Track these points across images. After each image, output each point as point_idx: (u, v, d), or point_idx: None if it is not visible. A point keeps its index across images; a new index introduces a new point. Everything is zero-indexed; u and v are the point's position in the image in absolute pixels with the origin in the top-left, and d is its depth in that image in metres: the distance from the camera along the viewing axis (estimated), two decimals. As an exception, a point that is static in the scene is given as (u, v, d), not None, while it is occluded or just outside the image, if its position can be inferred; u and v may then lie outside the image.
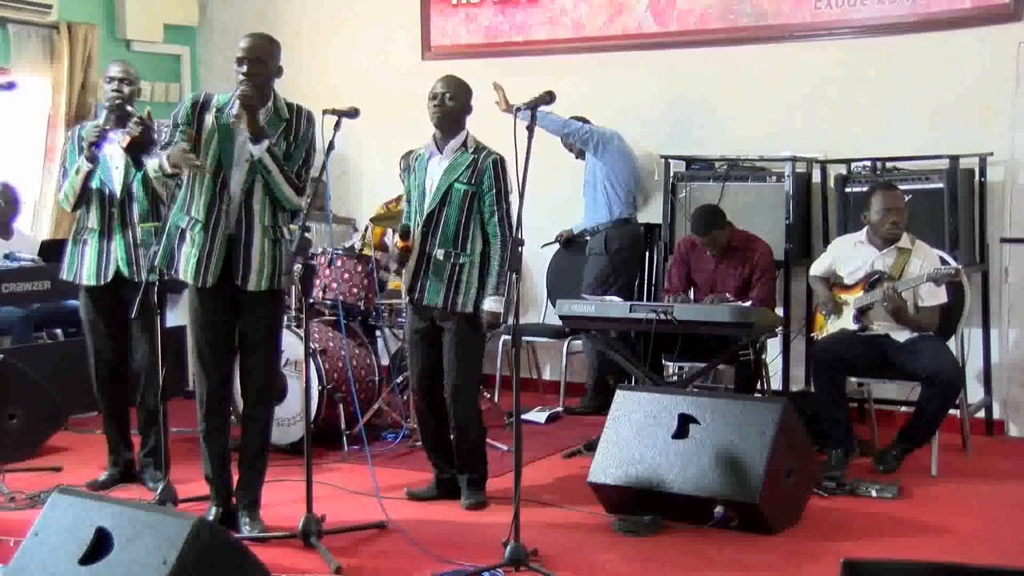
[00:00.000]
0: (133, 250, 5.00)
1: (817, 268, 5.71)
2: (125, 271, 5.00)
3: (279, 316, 4.62)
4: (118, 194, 5.01)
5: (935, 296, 5.32)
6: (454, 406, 4.83)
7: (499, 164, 4.75)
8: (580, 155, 6.81)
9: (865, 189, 5.89)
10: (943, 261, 5.40)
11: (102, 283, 5.02)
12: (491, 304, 4.72)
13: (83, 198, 5.01)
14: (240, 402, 4.83)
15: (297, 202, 4.38)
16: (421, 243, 4.76)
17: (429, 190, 4.77)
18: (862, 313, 5.41)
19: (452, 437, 4.94)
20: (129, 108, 5.01)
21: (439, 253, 4.74)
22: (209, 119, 4.30)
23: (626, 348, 5.85)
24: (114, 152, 5.00)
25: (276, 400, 4.91)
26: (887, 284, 5.27)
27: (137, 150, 4.89)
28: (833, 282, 5.63)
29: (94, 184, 5.00)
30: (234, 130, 4.29)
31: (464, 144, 4.79)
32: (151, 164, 4.40)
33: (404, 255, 4.79)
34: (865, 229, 5.50)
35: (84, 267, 5.05)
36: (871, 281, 5.39)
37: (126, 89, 5.06)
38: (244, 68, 4.24)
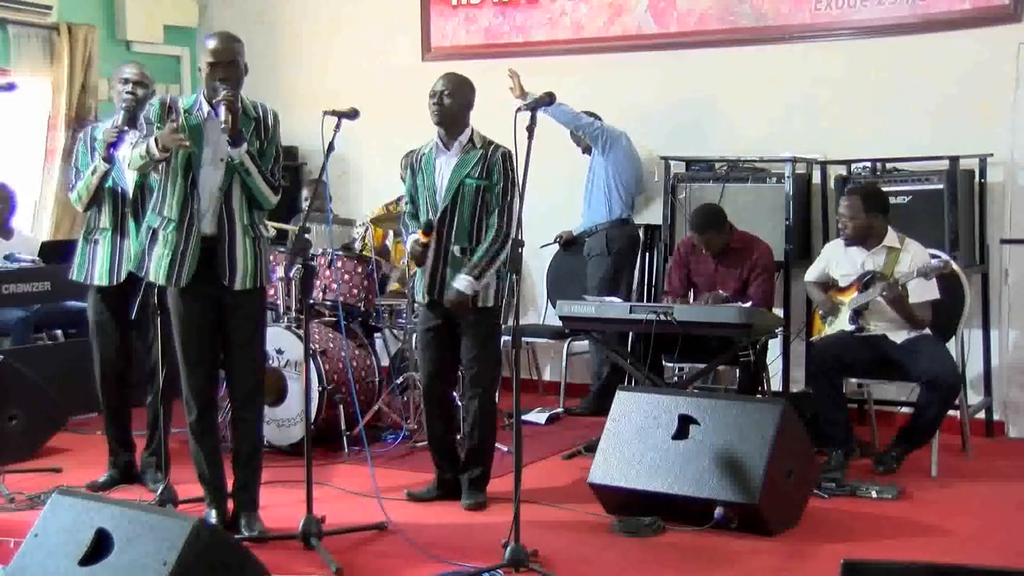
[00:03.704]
0: None
1: (811, 274, 5.72)
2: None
3: (264, 313, 4.64)
4: (131, 193, 5.01)
5: (925, 292, 5.32)
6: (472, 402, 4.84)
7: (507, 158, 4.77)
8: (587, 150, 6.81)
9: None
10: (933, 258, 5.40)
11: (114, 283, 5.01)
12: (461, 283, 4.69)
13: (95, 198, 5.01)
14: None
15: (274, 201, 4.41)
16: (437, 241, 4.76)
17: (440, 188, 4.78)
18: (858, 314, 5.41)
19: (463, 433, 4.94)
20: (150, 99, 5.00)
21: (456, 250, 4.76)
22: (179, 122, 4.27)
23: (626, 349, 5.85)
24: (127, 152, 4.99)
25: (265, 399, 4.88)
26: (882, 282, 5.28)
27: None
28: (829, 286, 5.63)
29: (107, 183, 5.00)
30: (204, 130, 4.28)
31: (471, 140, 4.81)
32: (135, 152, 4.32)
33: (424, 251, 4.77)
34: None
35: (96, 267, 5.04)
36: (864, 281, 5.40)
37: (139, 91, 5.05)
38: (220, 72, 4.23)
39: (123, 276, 4.99)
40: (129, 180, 5.00)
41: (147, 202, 5.00)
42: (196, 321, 4.37)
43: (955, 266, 5.49)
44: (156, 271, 4.32)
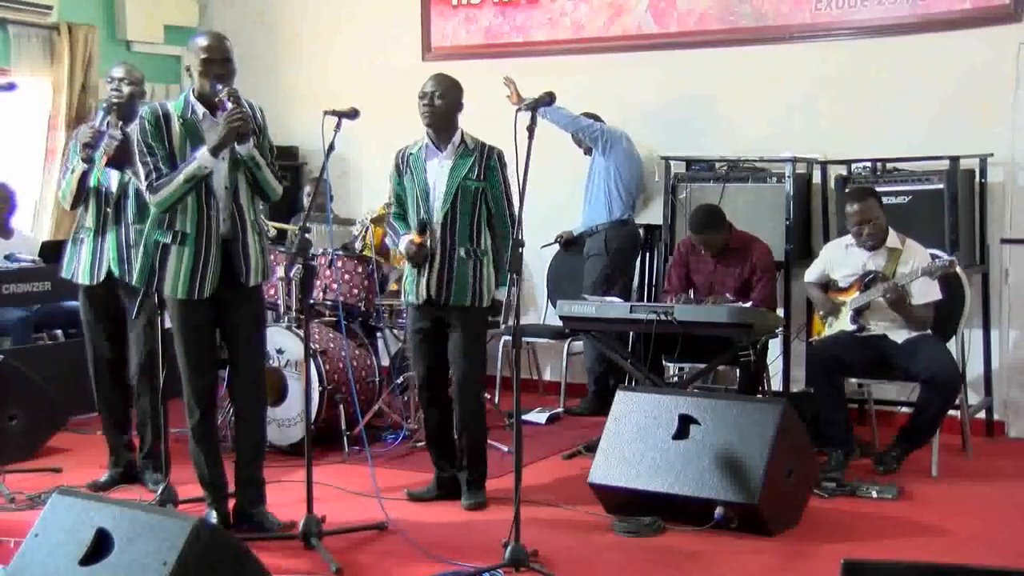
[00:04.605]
0: (125, 250, 4.99)
1: (811, 274, 5.72)
2: (116, 271, 4.99)
3: (264, 308, 4.68)
4: (114, 193, 5.01)
5: (928, 293, 5.32)
6: (461, 400, 4.85)
7: (503, 158, 4.79)
8: (588, 151, 6.81)
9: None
10: (934, 258, 5.40)
11: (95, 282, 5.03)
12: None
13: (80, 197, 5.01)
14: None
15: (280, 191, 4.45)
16: (442, 244, 4.76)
17: (434, 191, 4.78)
18: (859, 314, 5.41)
19: (456, 434, 4.95)
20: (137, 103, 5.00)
21: (461, 252, 4.76)
22: (176, 127, 4.27)
23: (626, 349, 5.85)
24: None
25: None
26: (883, 283, 5.28)
27: (116, 165, 4.94)
28: (828, 287, 5.63)
29: (92, 183, 5.00)
30: (201, 131, 4.27)
31: (464, 141, 4.81)
32: (178, 182, 4.19)
33: (420, 251, 4.76)
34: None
35: (80, 265, 5.06)
36: (866, 281, 5.39)
37: (125, 89, 5.06)
38: (217, 68, 4.25)
39: (103, 275, 5.01)
40: (113, 180, 5.01)
41: (128, 202, 5.00)
42: (201, 324, 4.37)
43: (960, 269, 5.48)
44: (175, 286, 4.30)
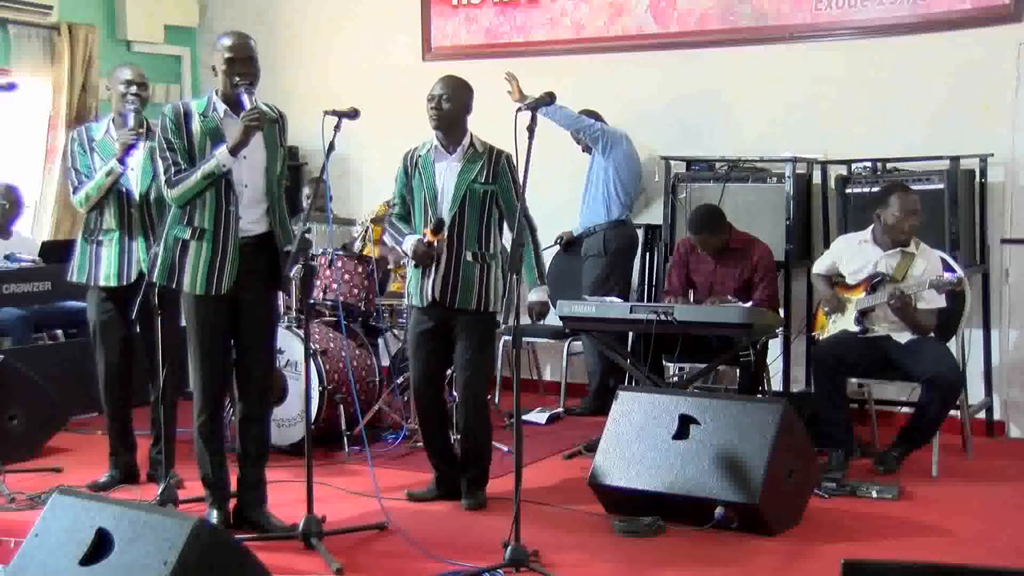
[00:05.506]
0: None
1: (820, 266, 5.72)
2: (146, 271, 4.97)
3: (278, 313, 4.68)
4: (136, 196, 4.98)
5: (932, 301, 5.33)
6: (466, 403, 4.84)
7: (511, 161, 4.77)
8: (587, 149, 6.81)
9: (866, 190, 5.92)
10: (945, 263, 5.40)
11: (124, 283, 4.97)
12: (538, 294, 4.83)
13: (101, 199, 4.99)
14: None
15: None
16: (449, 247, 4.75)
17: (442, 193, 4.77)
18: (864, 315, 5.41)
19: (458, 436, 4.95)
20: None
21: (468, 255, 4.76)
22: (196, 126, 4.28)
23: (626, 349, 5.86)
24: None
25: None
26: (891, 286, 5.28)
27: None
28: (835, 281, 5.63)
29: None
30: (223, 130, 4.28)
31: (472, 145, 4.81)
32: (193, 180, 4.21)
33: (429, 250, 4.75)
34: (870, 228, 5.50)
35: (101, 268, 5.01)
36: (873, 283, 5.39)
37: (143, 93, 5.05)
38: (239, 67, 4.25)
39: (133, 277, 4.96)
40: (133, 182, 4.99)
41: (150, 202, 4.99)
42: (215, 323, 4.36)
43: (967, 284, 5.47)
44: (193, 281, 4.30)
